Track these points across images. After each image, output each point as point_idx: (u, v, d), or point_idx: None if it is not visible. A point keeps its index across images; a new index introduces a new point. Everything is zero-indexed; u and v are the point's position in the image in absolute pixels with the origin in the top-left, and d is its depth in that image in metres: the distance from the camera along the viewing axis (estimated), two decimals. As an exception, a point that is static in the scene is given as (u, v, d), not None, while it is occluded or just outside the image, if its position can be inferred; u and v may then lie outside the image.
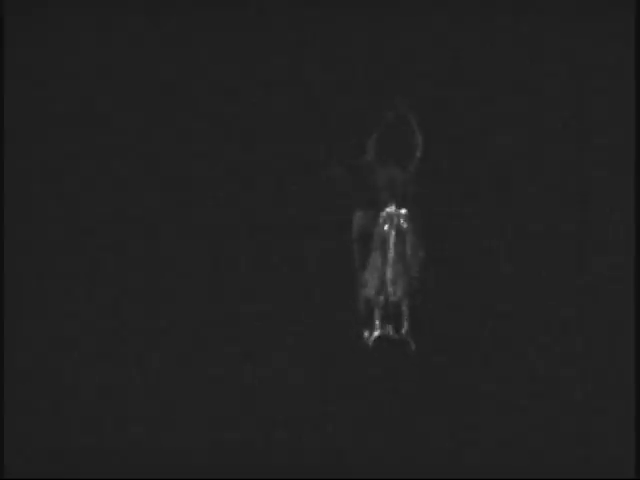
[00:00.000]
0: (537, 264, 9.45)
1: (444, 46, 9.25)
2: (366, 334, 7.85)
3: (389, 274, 7.79)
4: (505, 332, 9.36)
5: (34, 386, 8.97)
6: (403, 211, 7.83)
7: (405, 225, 7.79)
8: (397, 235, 7.72)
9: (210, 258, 8.91)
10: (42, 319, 9.30)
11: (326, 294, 8.64)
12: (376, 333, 7.84)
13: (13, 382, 8.77)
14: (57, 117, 9.44)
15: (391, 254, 7.74)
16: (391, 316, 7.81)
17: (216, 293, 8.94)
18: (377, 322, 7.82)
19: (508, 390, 8.87)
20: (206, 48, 9.48)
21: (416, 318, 7.96)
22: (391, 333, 7.82)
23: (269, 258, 8.80)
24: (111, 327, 9.28)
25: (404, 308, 7.92)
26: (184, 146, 9.60)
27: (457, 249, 8.79)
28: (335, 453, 7.86)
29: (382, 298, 7.82)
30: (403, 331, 7.87)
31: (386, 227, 7.78)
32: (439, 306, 8.46)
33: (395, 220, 7.78)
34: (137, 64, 9.39)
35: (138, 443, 7.97)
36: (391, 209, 7.82)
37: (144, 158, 9.47)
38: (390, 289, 7.76)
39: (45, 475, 7.25)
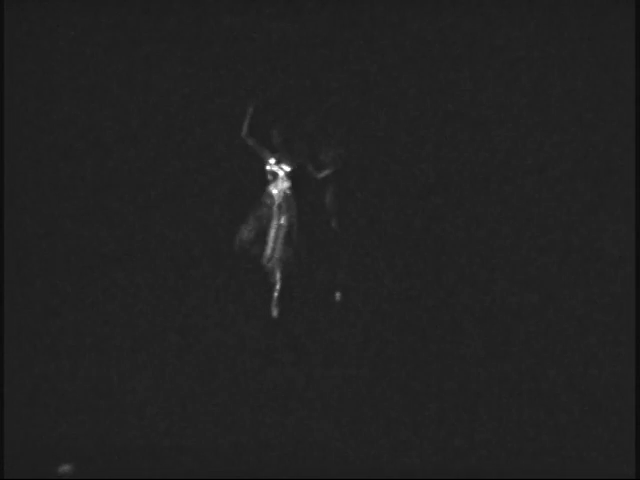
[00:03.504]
0: (532, 260, 9.47)
1: (444, 44, 9.25)
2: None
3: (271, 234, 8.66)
4: (504, 333, 9.38)
5: (34, 387, 8.97)
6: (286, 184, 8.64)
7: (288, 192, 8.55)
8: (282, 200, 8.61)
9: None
10: (41, 319, 9.30)
11: None
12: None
13: (13, 383, 8.77)
14: (57, 119, 9.45)
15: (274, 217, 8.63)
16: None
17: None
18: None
19: (507, 391, 8.88)
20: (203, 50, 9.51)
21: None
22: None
23: None
24: (110, 328, 9.29)
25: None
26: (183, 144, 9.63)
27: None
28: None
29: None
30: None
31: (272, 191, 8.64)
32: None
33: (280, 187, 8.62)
34: (137, 64, 9.39)
35: (138, 443, 7.98)
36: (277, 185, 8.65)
37: (144, 157, 9.49)
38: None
39: (45, 475, 7.24)
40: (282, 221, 8.48)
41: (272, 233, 8.53)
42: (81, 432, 8.20)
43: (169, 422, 8.45)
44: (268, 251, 8.52)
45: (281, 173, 8.55)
